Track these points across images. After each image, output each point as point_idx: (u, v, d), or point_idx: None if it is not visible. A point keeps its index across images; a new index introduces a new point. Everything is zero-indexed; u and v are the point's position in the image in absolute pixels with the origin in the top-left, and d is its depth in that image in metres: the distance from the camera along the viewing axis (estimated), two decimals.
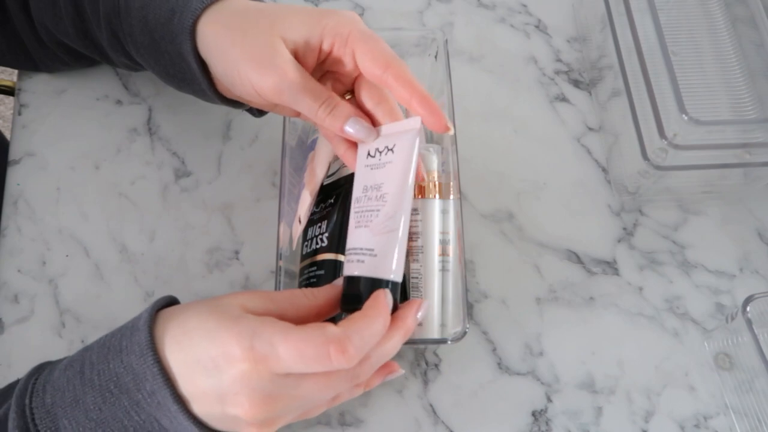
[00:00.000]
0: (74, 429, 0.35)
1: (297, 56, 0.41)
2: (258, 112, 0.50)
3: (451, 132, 0.41)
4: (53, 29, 0.51)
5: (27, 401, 0.35)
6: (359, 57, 0.40)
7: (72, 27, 0.50)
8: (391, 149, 0.40)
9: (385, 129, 0.42)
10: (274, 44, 0.40)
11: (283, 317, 0.35)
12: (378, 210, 0.39)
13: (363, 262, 0.38)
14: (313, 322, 0.35)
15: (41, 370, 0.38)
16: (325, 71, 0.44)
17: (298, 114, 0.44)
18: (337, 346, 0.33)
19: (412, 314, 0.38)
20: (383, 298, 0.36)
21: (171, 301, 0.39)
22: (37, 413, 0.35)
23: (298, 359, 0.33)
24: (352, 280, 0.39)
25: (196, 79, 0.44)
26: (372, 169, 0.41)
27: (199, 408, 0.35)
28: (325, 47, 0.41)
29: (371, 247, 0.38)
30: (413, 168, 0.39)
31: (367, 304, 0.36)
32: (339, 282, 0.40)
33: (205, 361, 0.33)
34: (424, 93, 0.40)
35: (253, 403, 0.33)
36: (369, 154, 0.42)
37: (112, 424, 0.35)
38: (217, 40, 0.41)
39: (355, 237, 0.40)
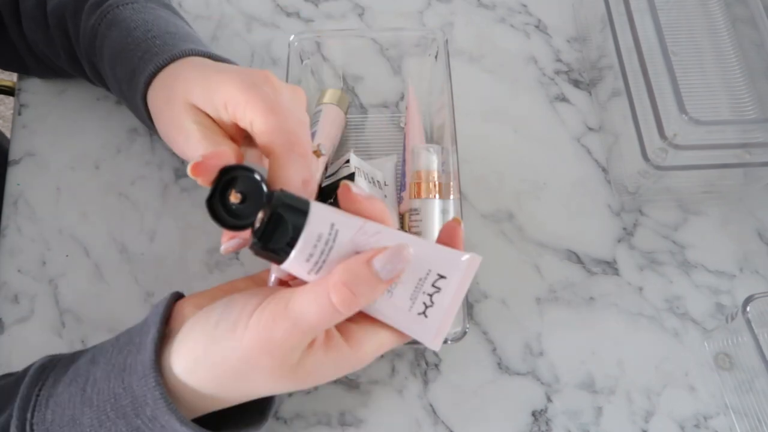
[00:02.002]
0: None
1: (215, 119, 0.40)
2: None
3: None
4: (46, 50, 0.52)
5: (29, 415, 0.35)
6: (255, 130, 0.37)
7: (64, 53, 0.51)
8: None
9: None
10: (182, 111, 0.40)
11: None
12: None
13: None
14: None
15: (46, 373, 0.37)
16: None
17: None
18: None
19: None
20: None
21: (178, 298, 0.38)
22: (37, 429, 0.35)
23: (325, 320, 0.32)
24: None
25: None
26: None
27: None
28: (225, 117, 0.39)
29: None
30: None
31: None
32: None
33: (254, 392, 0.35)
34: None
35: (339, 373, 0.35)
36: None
37: None
38: (152, 108, 0.44)
39: None
